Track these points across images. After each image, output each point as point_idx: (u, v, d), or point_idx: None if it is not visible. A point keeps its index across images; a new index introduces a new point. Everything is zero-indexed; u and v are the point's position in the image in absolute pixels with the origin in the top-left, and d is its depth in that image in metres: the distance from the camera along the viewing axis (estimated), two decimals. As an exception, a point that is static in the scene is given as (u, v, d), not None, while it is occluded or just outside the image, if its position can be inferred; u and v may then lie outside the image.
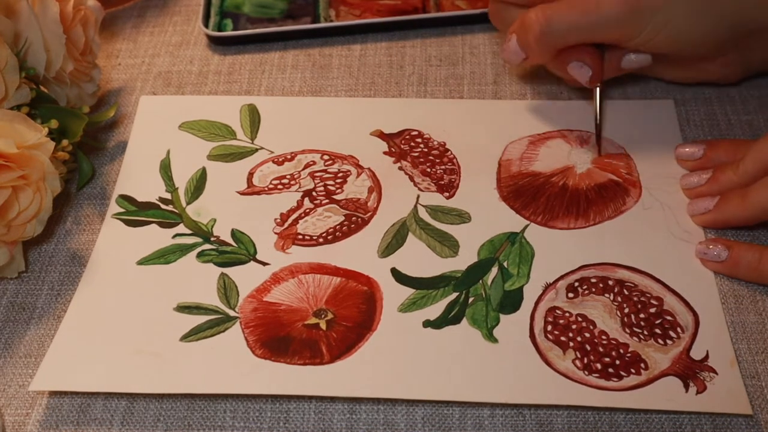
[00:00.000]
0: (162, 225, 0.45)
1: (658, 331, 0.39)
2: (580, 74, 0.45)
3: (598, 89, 0.46)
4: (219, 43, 0.55)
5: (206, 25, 0.55)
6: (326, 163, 0.48)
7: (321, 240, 0.44)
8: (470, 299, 0.41)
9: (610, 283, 0.41)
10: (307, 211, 0.45)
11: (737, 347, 0.39)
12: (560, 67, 0.46)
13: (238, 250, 0.43)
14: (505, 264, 0.42)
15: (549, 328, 0.40)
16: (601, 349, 0.39)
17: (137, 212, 0.46)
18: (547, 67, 0.48)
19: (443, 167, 0.47)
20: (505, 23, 0.48)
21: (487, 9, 0.53)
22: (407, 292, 0.41)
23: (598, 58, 0.45)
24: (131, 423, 0.38)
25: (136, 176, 0.47)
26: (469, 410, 0.38)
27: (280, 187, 0.46)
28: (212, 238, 0.44)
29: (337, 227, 0.44)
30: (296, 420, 0.37)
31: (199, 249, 0.44)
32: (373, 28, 0.56)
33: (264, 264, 0.43)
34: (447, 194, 0.46)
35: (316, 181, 0.47)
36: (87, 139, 0.48)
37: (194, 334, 0.40)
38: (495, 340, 0.39)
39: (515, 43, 0.45)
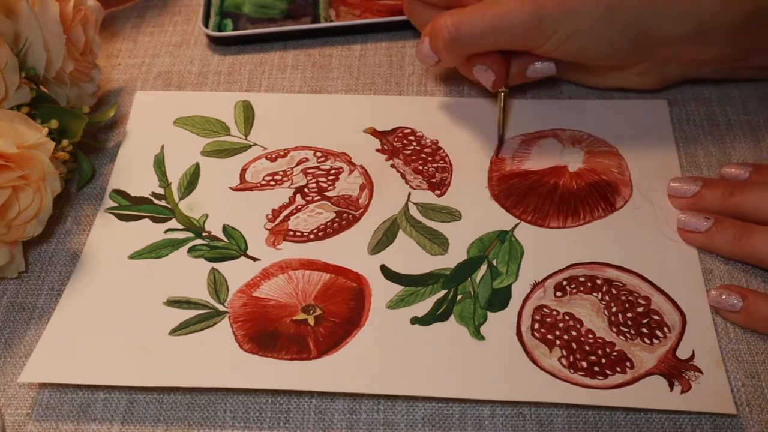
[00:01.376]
0: (154, 220, 0.45)
1: (644, 330, 0.39)
2: (484, 78, 0.46)
3: (502, 94, 0.46)
4: (219, 43, 0.56)
5: (206, 25, 0.56)
6: (319, 160, 0.48)
7: (312, 236, 0.44)
8: (458, 297, 0.41)
9: (599, 282, 0.41)
10: (299, 207, 0.46)
11: (737, 347, 0.39)
12: (468, 71, 0.47)
13: (229, 246, 0.44)
14: (494, 262, 0.42)
15: (536, 326, 0.40)
16: (587, 348, 0.39)
17: (130, 207, 0.46)
18: (459, 70, 0.48)
19: (435, 165, 0.47)
20: (419, 21, 0.48)
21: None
22: (396, 288, 0.41)
23: (503, 63, 0.45)
24: (131, 423, 0.38)
25: (130, 171, 0.48)
26: (469, 410, 0.38)
27: (272, 183, 0.47)
28: (204, 233, 0.45)
29: (328, 224, 0.45)
30: (296, 420, 0.38)
31: (190, 244, 0.44)
32: (373, 28, 0.56)
33: (254, 259, 0.43)
34: (438, 192, 0.46)
35: (309, 178, 0.47)
36: (87, 139, 0.48)
37: (183, 328, 0.40)
38: (482, 338, 0.39)
39: (428, 46, 0.45)
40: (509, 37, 0.43)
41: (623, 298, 0.40)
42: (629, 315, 0.40)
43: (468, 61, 0.46)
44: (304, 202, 0.46)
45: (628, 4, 0.43)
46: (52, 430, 0.38)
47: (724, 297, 0.39)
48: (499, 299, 0.41)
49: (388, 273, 0.42)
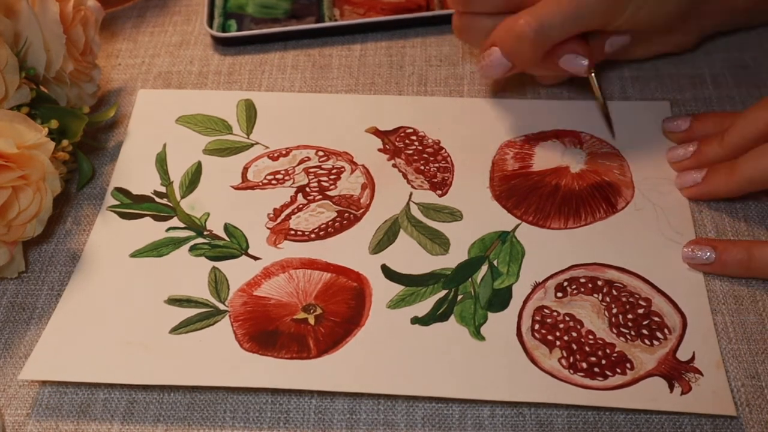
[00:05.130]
0: (156, 218, 0.45)
1: (645, 331, 0.39)
2: (575, 65, 0.45)
3: (593, 78, 0.47)
4: (224, 44, 0.55)
5: (210, 26, 0.55)
6: (321, 159, 0.48)
7: (313, 236, 0.44)
8: (459, 297, 0.41)
9: (599, 283, 0.41)
10: (300, 206, 0.46)
11: (737, 347, 0.39)
12: (548, 66, 0.46)
13: (230, 244, 0.44)
14: (495, 262, 0.42)
15: (536, 326, 0.40)
16: (587, 349, 0.39)
17: (132, 205, 0.46)
18: (531, 71, 0.48)
19: (437, 165, 0.47)
20: (476, 36, 0.47)
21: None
22: (396, 288, 0.41)
23: (587, 45, 0.46)
24: (131, 423, 0.38)
25: (132, 169, 0.48)
26: (469, 410, 0.38)
27: (274, 182, 0.47)
28: (205, 232, 0.45)
29: (330, 223, 0.45)
30: (296, 420, 0.38)
31: (191, 243, 0.44)
32: (379, 27, 0.56)
33: (255, 258, 0.43)
34: (440, 192, 0.46)
35: (310, 177, 0.47)
36: (87, 139, 0.48)
37: (183, 327, 0.40)
38: (482, 338, 0.39)
39: (499, 55, 0.44)
40: (589, 19, 0.44)
41: (624, 299, 0.40)
42: (630, 316, 0.40)
43: (545, 58, 0.45)
44: (305, 202, 0.46)
45: None
46: (52, 429, 0.38)
47: (697, 253, 0.41)
48: (500, 300, 0.41)
49: (388, 273, 0.42)
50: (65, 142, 0.45)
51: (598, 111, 0.49)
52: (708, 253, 0.41)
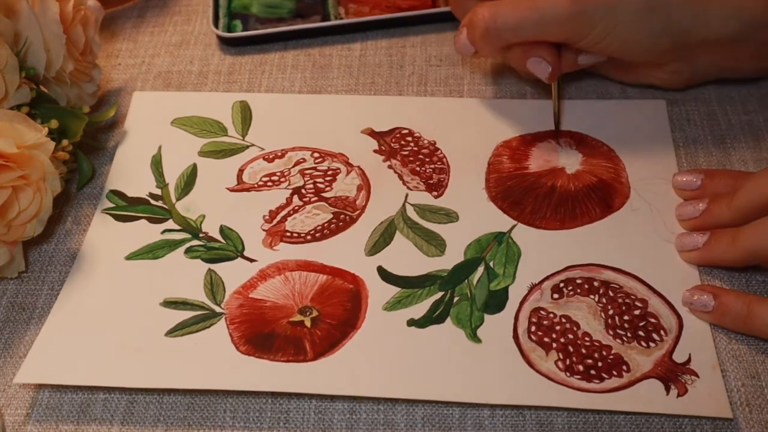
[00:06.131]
0: (151, 220, 0.45)
1: (641, 333, 0.39)
2: (539, 70, 0.46)
3: (555, 85, 0.47)
4: (232, 44, 0.55)
5: (216, 26, 0.55)
6: (316, 161, 0.48)
7: (309, 237, 0.44)
8: (455, 299, 0.41)
9: (596, 284, 0.41)
10: (296, 208, 0.46)
11: (737, 347, 0.39)
12: (519, 63, 0.47)
13: (226, 247, 0.44)
14: (491, 264, 0.42)
15: (533, 328, 0.39)
16: (584, 351, 0.39)
17: (127, 207, 0.46)
18: (508, 62, 0.48)
19: (433, 166, 0.47)
20: (462, 12, 0.48)
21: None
22: (393, 290, 0.41)
23: (556, 54, 0.46)
24: (131, 423, 0.38)
25: (127, 171, 0.48)
26: (470, 410, 0.38)
27: (269, 184, 0.47)
28: (201, 234, 0.45)
29: (325, 225, 0.45)
30: (296, 420, 0.38)
31: (187, 245, 0.44)
32: (378, 25, 0.55)
33: (251, 261, 0.43)
34: (435, 193, 0.46)
35: (306, 179, 0.47)
36: (87, 139, 0.48)
37: (179, 330, 0.40)
38: (478, 340, 0.39)
39: (465, 38, 0.46)
40: (547, 28, 0.44)
41: (620, 300, 0.40)
42: (626, 318, 0.40)
43: (511, 52, 0.46)
44: (301, 203, 0.46)
45: (671, 2, 0.43)
46: (51, 430, 0.38)
47: (696, 297, 0.40)
48: (496, 301, 0.41)
49: (384, 274, 0.42)
50: (65, 142, 0.45)
51: (591, 109, 0.49)
52: (708, 301, 0.39)
